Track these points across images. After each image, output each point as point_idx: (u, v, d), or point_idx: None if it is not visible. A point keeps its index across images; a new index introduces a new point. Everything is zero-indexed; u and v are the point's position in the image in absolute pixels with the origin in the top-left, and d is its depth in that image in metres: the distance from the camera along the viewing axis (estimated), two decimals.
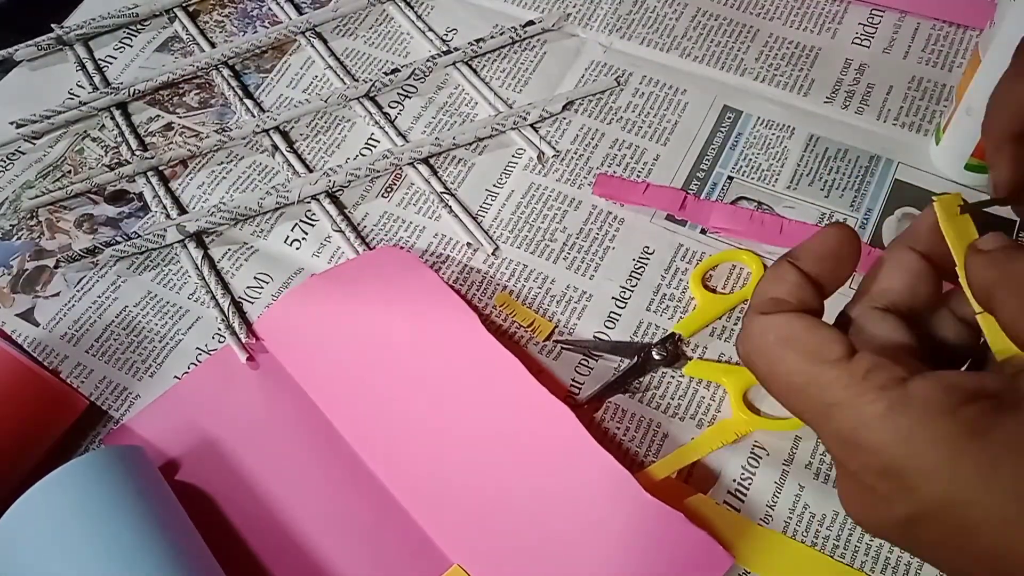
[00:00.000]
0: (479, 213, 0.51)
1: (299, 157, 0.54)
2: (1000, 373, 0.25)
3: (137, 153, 0.54)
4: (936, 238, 0.28)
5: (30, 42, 0.60)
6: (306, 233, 0.51)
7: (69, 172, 0.55)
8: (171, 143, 0.55)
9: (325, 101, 0.55)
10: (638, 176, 0.51)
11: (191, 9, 0.61)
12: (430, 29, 0.58)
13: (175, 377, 0.47)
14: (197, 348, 0.47)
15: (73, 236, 0.52)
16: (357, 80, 0.56)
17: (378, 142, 0.54)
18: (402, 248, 0.49)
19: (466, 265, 0.49)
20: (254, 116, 0.55)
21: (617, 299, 0.47)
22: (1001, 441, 0.22)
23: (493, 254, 0.49)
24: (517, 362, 0.42)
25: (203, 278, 0.49)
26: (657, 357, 0.45)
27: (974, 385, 0.23)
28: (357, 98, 0.56)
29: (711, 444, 0.42)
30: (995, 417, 0.22)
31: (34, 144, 0.56)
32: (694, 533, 0.38)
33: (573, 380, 0.45)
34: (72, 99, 0.57)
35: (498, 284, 0.48)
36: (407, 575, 0.40)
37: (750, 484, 0.41)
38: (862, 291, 0.29)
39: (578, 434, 0.40)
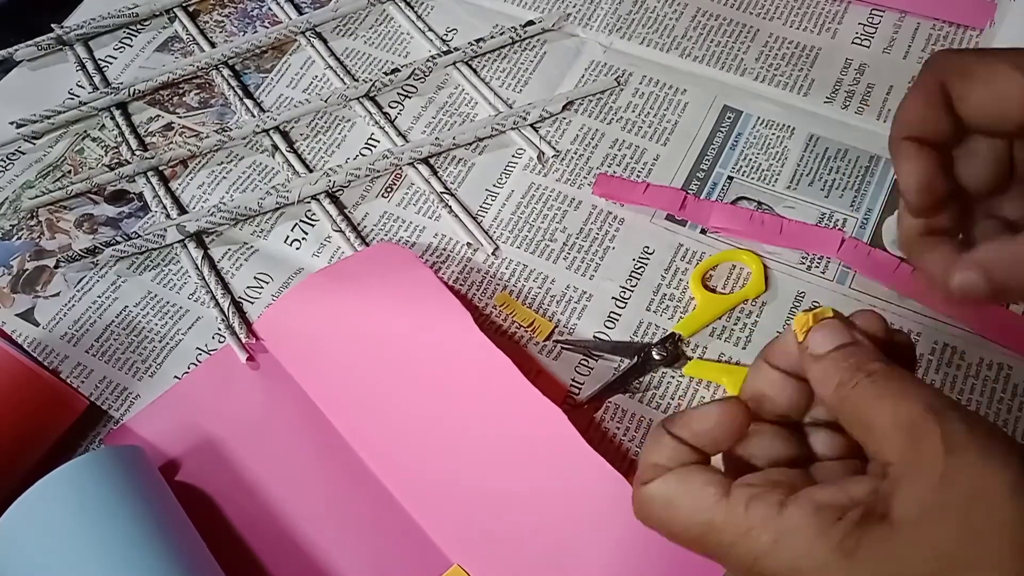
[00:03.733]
0: (479, 213, 0.51)
1: (299, 157, 0.54)
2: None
3: (137, 153, 0.54)
4: (792, 356, 0.29)
5: (30, 42, 0.60)
6: (306, 233, 0.51)
7: (69, 172, 0.55)
8: (171, 143, 0.55)
9: (325, 101, 0.55)
10: (638, 176, 0.51)
11: (191, 9, 0.61)
12: (430, 29, 0.58)
13: (175, 377, 0.47)
14: (197, 348, 0.47)
15: (73, 236, 0.52)
16: (357, 80, 0.56)
17: (378, 142, 0.54)
18: (399, 245, 0.49)
19: (466, 265, 0.49)
20: (254, 116, 0.55)
21: (617, 299, 0.47)
22: (865, 557, 0.24)
23: (493, 254, 0.49)
24: (509, 362, 0.42)
25: (203, 278, 0.49)
26: (657, 357, 0.45)
27: (841, 500, 0.25)
28: (357, 98, 0.56)
29: None
30: (861, 531, 0.24)
31: (34, 144, 0.56)
32: None
33: (573, 380, 0.45)
34: (72, 99, 0.57)
35: (498, 284, 0.48)
36: (407, 575, 0.40)
37: None
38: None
39: (570, 436, 0.40)
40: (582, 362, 0.46)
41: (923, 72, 0.31)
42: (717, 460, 0.29)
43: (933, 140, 0.30)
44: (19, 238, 0.52)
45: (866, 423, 0.26)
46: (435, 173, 0.52)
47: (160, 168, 0.54)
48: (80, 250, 0.50)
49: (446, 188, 0.52)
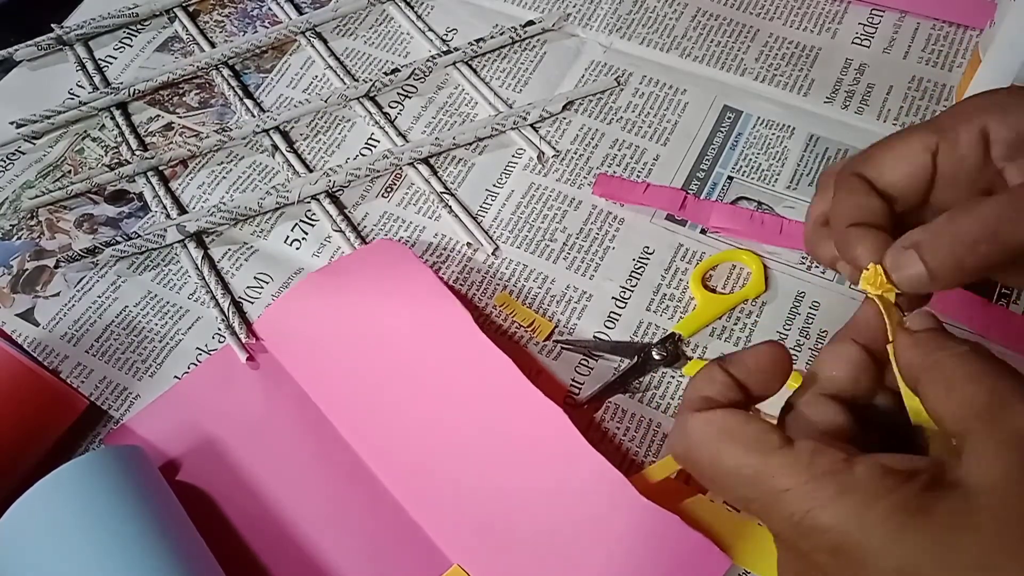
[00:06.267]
0: (479, 213, 0.51)
1: (299, 157, 0.54)
2: (927, 452, 0.28)
3: (137, 153, 0.54)
4: (874, 330, 0.30)
5: (30, 42, 0.60)
6: (306, 233, 0.51)
7: (69, 172, 0.55)
8: (171, 143, 0.55)
9: (325, 101, 0.55)
10: (638, 176, 0.51)
11: (191, 9, 0.61)
12: (430, 29, 0.58)
13: (175, 377, 0.47)
14: (197, 348, 0.47)
15: (73, 236, 0.52)
16: (357, 80, 0.56)
17: (378, 142, 0.54)
18: (395, 241, 0.49)
19: (466, 265, 0.49)
20: (254, 116, 0.55)
21: (617, 299, 0.47)
22: (943, 518, 0.24)
23: (493, 254, 0.49)
24: (510, 362, 0.42)
25: (203, 278, 0.49)
26: (657, 357, 0.45)
27: (908, 466, 0.25)
28: (357, 98, 0.56)
29: None
30: (934, 494, 0.24)
31: (34, 144, 0.56)
32: (691, 535, 0.38)
33: (573, 380, 0.45)
34: (72, 99, 0.58)
35: (498, 284, 0.48)
36: (407, 575, 0.40)
37: None
38: (809, 377, 0.30)
39: (570, 436, 0.40)
40: (582, 362, 0.46)
41: (825, 181, 0.33)
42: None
43: (873, 222, 0.31)
44: (19, 238, 0.52)
45: (952, 386, 0.26)
46: (435, 173, 0.52)
47: (160, 168, 0.54)
48: (80, 250, 0.50)
49: (446, 188, 0.52)
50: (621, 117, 0.53)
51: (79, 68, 0.59)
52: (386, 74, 0.56)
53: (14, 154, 0.56)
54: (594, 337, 0.46)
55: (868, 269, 0.30)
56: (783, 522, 0.26)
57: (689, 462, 0.28)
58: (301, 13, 0.60)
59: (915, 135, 0.31)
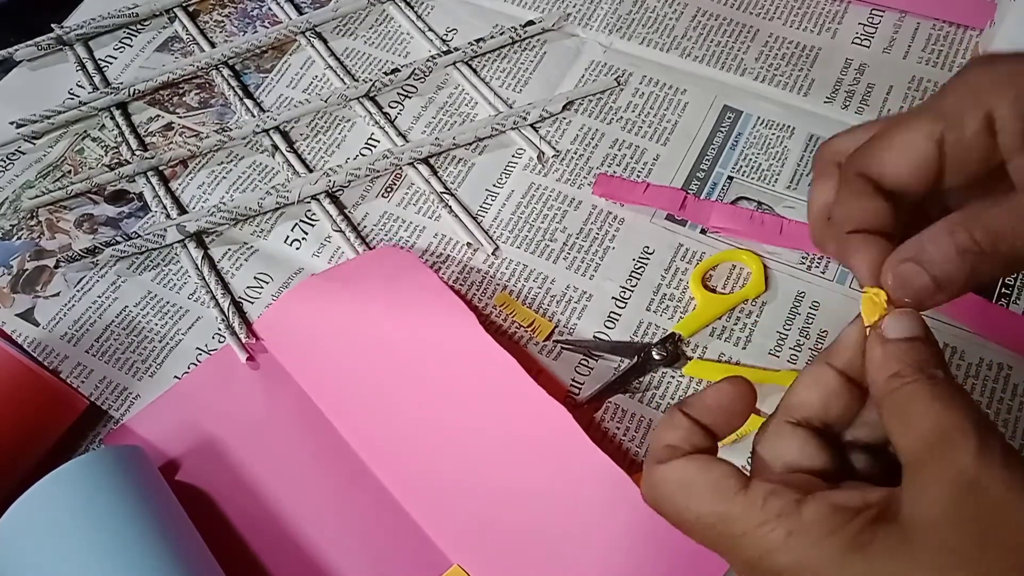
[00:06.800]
0: (479, 213, 0.51)
1: (299, 157, 0.54)
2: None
3: (137, 153, 0.54)
4: (855, 355, 0.29)
5: (30, 42, 0.60)
6: (306, 233, 0.51)
7: (69, 172, 0.55)
8: (171, 143, 0.55)
9: (325, 101, 0.55)
10: (638, 176, 0.51)
11: (191, 9, 0.61)
12: (430, 29, 0.58)
13: (175, 377, 0.47)
14: (197, 348, 0.47)
15: (73, 236, 0.52)
16: (357, 80, 0.56)
17: (378, 142, 0.54)
18: (401, 248, 0.49)
19: (466, 265, 0.49)
20: (254, 116, 0.55)
21: (617, 299, 0.47)
22: (877, 551, 0.25)
23: (493, 254, 0.49)
24: (514, 362, 0.42)
25: (203, 278, 0.49)
26: (657, 357, 0.45)
27: (857, 502, 0.26)
28: (357, 98, 0.56)
29: None
30: (873, 529, 0.25)
31: (34, 144, 0.56)
32: None
33: (573, 380, 0.45)
34: (72, 99, 0.57)
35: (498, 284, 0.48)
36: (407, 575, 0.40)
37: None
38: (782, 402, 0.30)
39: (574, 435, 0.40)
40: (582, 362, 0.46)
41: (824, 166, 0.31)
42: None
43: (877, 228, 0.30)
44: (19, 238, 0.52)
45: (907, 418, 0.26)
46: (435, 173, 0.52)
47: (160, 168, 0.54)
48: (80, 250, 0.50)
49: (446, 188, 0.52)
50: (621, 117, 0.53)
51: (79, 68, 0.59)
52: (386, 74, 0.56)
53: (14, 154, 0.56)
54: (594, 337, 0.46)
55: (866, 292, 0.29)
56: (744, 565, 0.27)
57: (658, 511, 0.29)
58: (301, 13, 0.60)
59: (918, 123, 0.29)
